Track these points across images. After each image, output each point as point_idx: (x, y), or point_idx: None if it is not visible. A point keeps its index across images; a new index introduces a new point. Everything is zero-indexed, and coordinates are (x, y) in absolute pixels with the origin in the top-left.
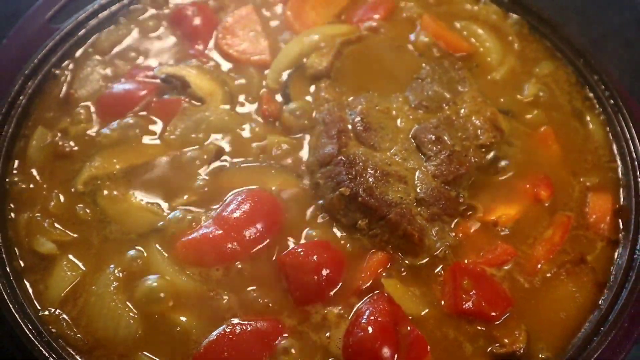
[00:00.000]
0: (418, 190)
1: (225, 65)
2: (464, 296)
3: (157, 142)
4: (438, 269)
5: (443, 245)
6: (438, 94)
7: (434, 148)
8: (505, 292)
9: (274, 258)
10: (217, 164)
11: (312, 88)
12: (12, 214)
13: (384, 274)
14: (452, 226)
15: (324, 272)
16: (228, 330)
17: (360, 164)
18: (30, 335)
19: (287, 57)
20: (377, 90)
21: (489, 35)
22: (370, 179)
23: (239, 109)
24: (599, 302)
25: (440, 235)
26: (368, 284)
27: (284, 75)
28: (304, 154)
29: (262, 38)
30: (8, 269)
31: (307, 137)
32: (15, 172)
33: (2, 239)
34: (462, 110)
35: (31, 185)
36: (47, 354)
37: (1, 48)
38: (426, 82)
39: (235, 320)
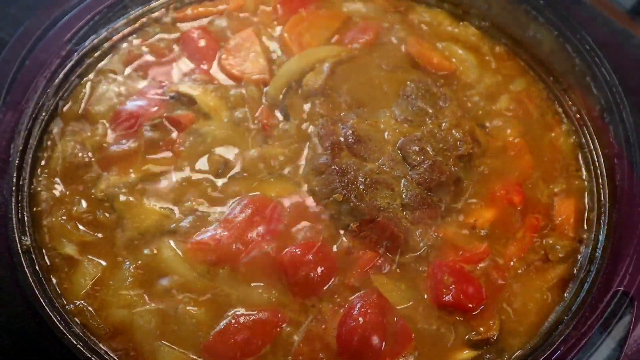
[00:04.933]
0: (403, 196)
1: (228, 83)
2: (444, 290)
3: (169, 154)
4: (422, 266)
5: (426, 245)
6: (422, 109)
7: (418, 158)
8: (481, 287)
9: (274, 257)
10: (222, 172)
11: (308, 104)
12: (39, 219)
13: (373, 271)
14: (434, 228)
15: (319, 269)
16: (233, 321)
17: (352, 172)
18: (59, 325)
19: (284, 76)
20: (367, 105)
21: (468, 55)
22: (360, 187)
23: (241, 124)
24: (564, 295)
25: (423, 236)
26: (359, 280)
27: (282, 93)
28: (300, 164)
29: (261, 58)
30: (37, 268)
31: (301, 149)
32: (40, 181)
33: (31, 241)
34: (444, 124)
35: (55, 193)
36: (75, 342)
37: (25, 68)
38: (411, 98)
39: (240, 312)
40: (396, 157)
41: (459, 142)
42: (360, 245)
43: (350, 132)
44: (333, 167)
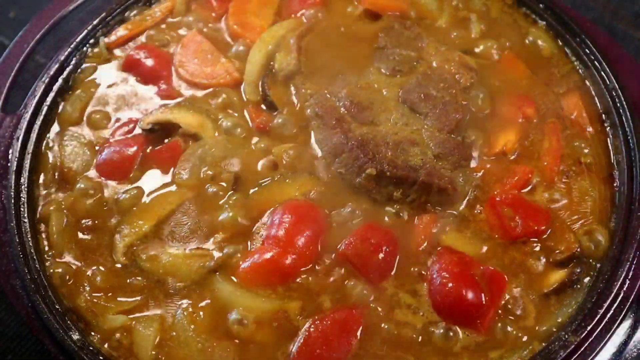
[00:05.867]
0: (432, 147)
1: (199, 95)
2: (511, 224)
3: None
4: (477, 209)
5: (471, 187)
6: (404, 56)
7: (427, 105)
8: (540, 206)
9: (333, 255)
10: (225, 176)
11: (292, 88)
12: (38, 224)
13: (436, 231)
14: (473, 166)
15: (384, 249)
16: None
17: (372, 142)
18: (60, 330)
19: (254, 67)
20: (348, 70)
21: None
22: (388, 153)
23: (233, 132)
24: (563, 300)
25: (466, 179)
26: (426, 245)
27: (260, 85)
28: (312, 151)
29: (220, 57)
30: (37, 273)
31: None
32: (39, 186)
33: (31, 247)
34: (433, 63)
35: (54, 198)
36: (75, 347)
37: (24, 73)
38: (388, 49)
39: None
40: (405, 111)
41: (456, 76)
42: (412, 211)
43: (348, 102)
44: (350, 143)
